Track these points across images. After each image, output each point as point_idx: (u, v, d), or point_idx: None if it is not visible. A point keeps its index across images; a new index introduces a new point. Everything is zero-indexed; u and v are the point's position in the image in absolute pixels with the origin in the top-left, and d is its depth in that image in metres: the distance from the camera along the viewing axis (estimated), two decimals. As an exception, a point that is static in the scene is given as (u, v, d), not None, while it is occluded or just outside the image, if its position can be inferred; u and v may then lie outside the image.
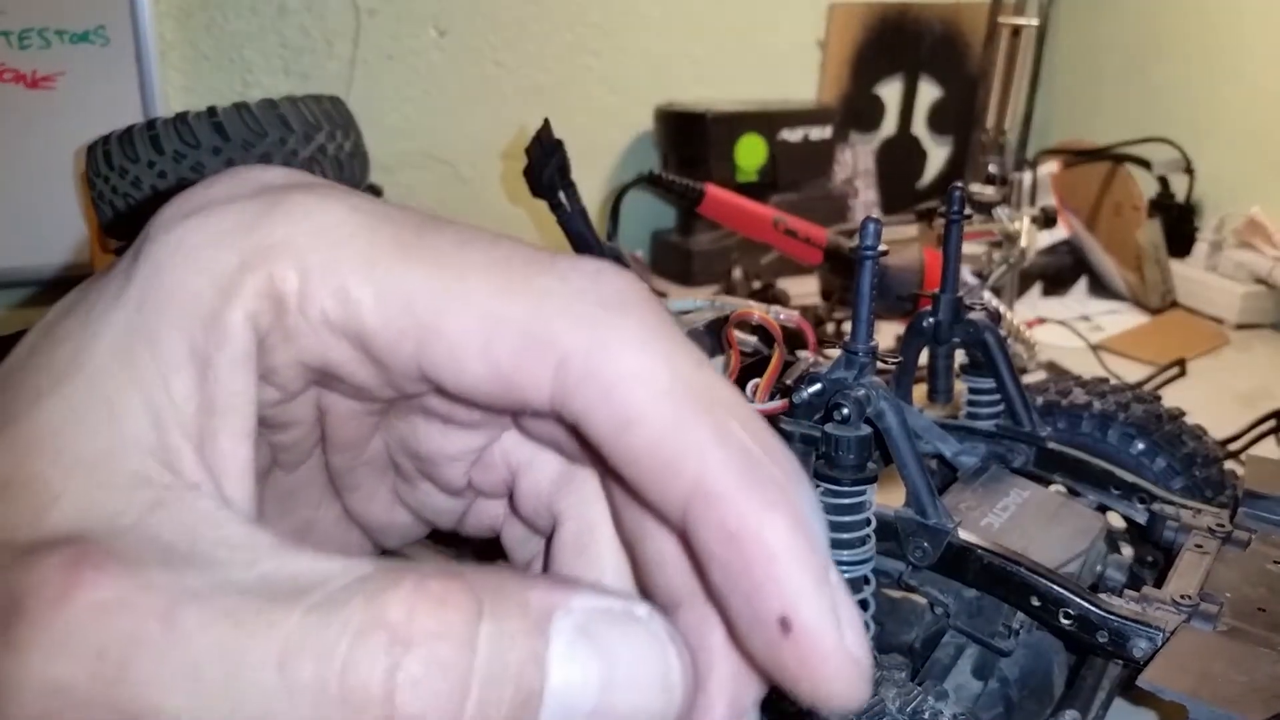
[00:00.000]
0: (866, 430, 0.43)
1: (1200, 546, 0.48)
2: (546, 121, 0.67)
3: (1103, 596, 0.43)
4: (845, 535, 0.43)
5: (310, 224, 0.14)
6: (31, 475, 0.13)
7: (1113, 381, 0.68)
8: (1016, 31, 1.54)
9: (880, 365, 0.46)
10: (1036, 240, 1.23)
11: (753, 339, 0.62)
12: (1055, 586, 0.43)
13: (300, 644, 0.11)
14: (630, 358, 0.13)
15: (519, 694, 0.11)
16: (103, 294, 0.14)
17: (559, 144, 0.67)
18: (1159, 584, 0.45)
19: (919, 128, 1.91)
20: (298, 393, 0.15)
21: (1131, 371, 1.15)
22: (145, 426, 0.13)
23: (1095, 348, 1.23)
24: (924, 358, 0.59)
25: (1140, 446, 0.61)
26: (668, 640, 0.12)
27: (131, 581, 0.11)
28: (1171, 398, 0.67)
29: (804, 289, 1.42)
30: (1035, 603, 0.43)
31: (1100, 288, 1.52)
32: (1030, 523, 0.49)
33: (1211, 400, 1.09)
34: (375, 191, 0.96)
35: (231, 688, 0.11)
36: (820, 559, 0.13)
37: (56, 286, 1.34)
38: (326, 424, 0.17)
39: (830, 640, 0.12)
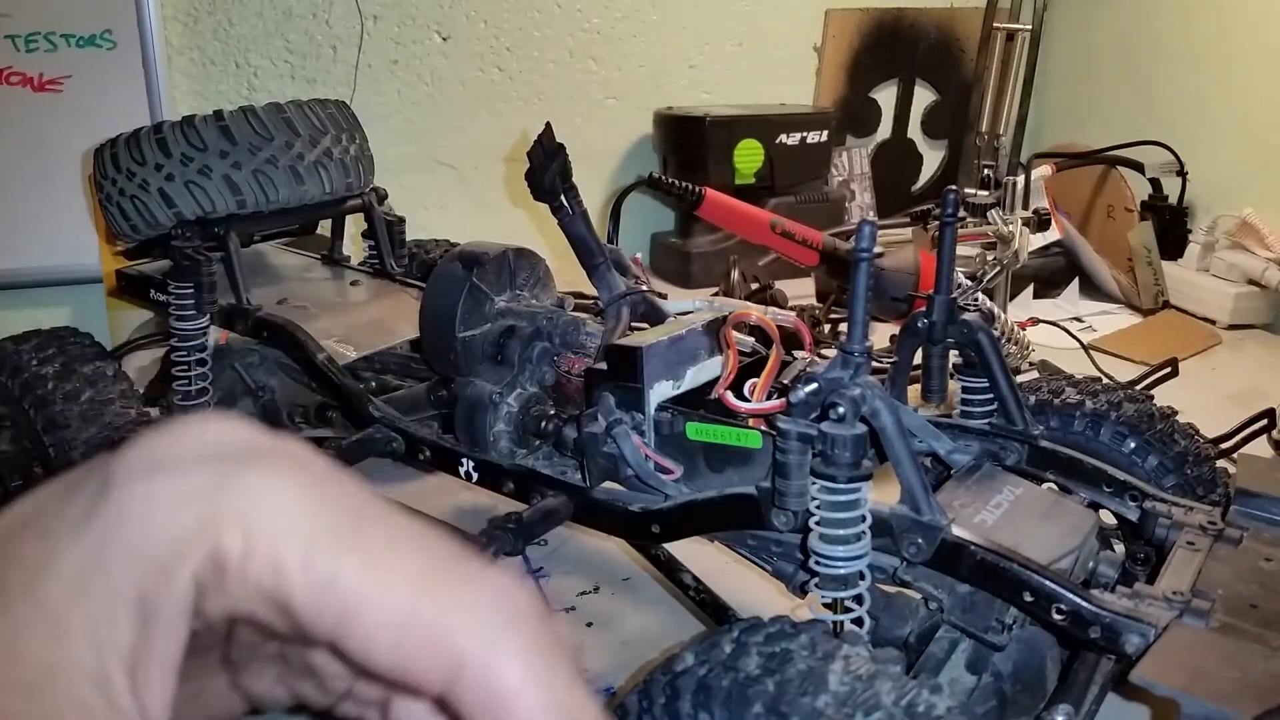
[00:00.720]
0: (862, 429, 0.44)
1: (1192, 544, 0.49)
2: (548, 125, 0.68)
3: (1095, 592, 0.44)
4: (840, 532, 0.44)
5: (261, 505, 0.16)
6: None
7: (1105, 381, 0.68)
8: (1011, 37, 1.55)
9: (875, 365, 0.47)
10: (1029, 242, 1.24)
11: (750, 339, 0.63)
12: (1048, 582, 0.43)
13: None
14: (515, 674, 0.16)
15: None
16: (62, 520, 0.16)
17: (560, 148, 0.68)
18: (1151, 581, 0.46)
19: (914, 132, 1.92)
20: (220, 624, 0.17)
21: (1124, 371, 1.16)
22: (88, 653, 0.15)
23: (1088, 348, 1.24)
24: (919, 358, 0.60)
25: (1132, 445, 0.62)
26: None
27: None
28: (1164, 397, 0.68)
29: (801, 290, 1.43)
30: (1028, 598, 0.44)
31: (1092, 289, 1.53)
32: (1023, 520, 0.49)
33: (1203, 400, 1.10)
34: (380, 195, 0.97)
35: None
36: None
37: (62, 288, 1.35)
38: (234, 632, 0.19)
39: None
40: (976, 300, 1.06)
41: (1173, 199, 1.56)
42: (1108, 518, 0.56)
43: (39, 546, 0.15)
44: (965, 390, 0.60)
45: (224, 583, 0.15)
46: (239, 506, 0.15)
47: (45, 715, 0.14)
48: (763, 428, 0.53)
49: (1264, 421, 0.96)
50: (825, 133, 1.67)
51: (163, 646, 0.15)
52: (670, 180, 1.06)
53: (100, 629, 0.15)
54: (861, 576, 0.45)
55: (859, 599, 0.45)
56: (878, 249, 0.44)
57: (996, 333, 0.59)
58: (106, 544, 0.15)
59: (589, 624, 0.73)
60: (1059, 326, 1.32)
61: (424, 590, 0.16)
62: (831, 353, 0.47)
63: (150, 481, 0.16)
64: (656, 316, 0.67)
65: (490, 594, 0.16)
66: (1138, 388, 0.71)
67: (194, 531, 0.15)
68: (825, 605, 0.46)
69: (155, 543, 0.15)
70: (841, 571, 0.45)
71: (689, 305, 0.66)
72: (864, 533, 0.45)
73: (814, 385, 0.45)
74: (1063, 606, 0.43)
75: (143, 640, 0.15)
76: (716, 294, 1.34)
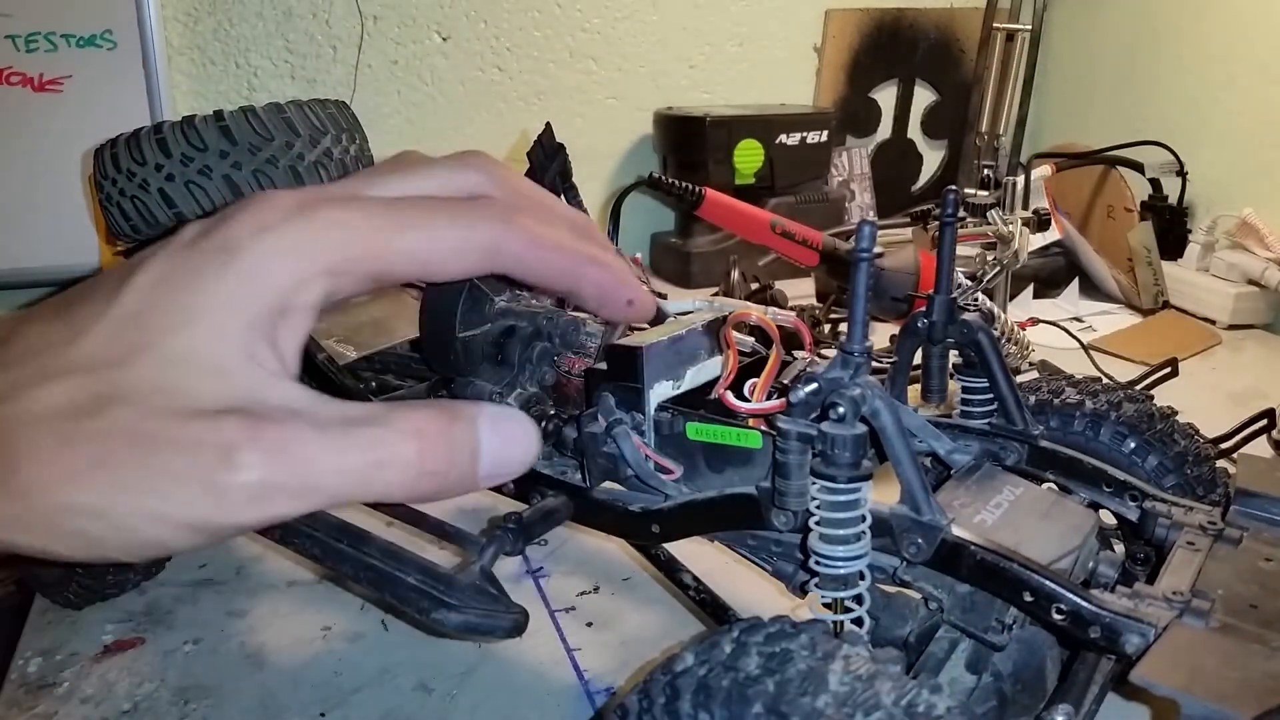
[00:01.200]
0: (862, 429, 0.44)
1: (1192, 544, 0.49)
2: (548, 125, 0.68)
3: (1095, 592, 0.44)
4: (841, 531, 0.44)
5: (342, 229, 0.23)
6: (177, 383, 0.22)
7: (1105, 381, 0.68)
8: (1010, 37, 1.55)
9: (875, 365, 0.47)
10: (1029, 242, 1.24)
11: (750, 339, 0.63)
12: (1048, 582, 0.43)
13: (366, 440, 0.22)
14: (529, 243, 0.26)
15: (469, 449, 0.24)
16: (203, 271, 0.22)
17: (560, 148, 0.67)
18: (1151, 581, 0.46)
19: (914, 132, 1.92)
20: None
21: (1124, 371, 1.16)
22: (244, 350, 0.22)
23: (1088, 348, 1.24)
24: (919, 358, 0.60)
25: (1132, 445, 0.62)
26: (529, 421, 0.26)
27: (280, 428, 0.22)
28: (1164, 397, 0.68)
29: (801, 290, 1.43)
30: (1028, 598, 0.44)
31: (1092, 289, 1.53)
32: (1023, 519, 0.49)
33: (1203, 400, 1.10)
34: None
35: (339, 470, 0.22)
36: (635, 281, 0.30)
37: (64, 288, 1.34)
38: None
39: (648, 299, 0.31)
40: (976, 300, 1.06)
41: (1173, 199, 1.56)
42: (1108, 518, 0.56)
43: (189, 288, 0.22)
44: (965, 390, 0.60)
45: (338, 283, 0.23)
46: (329, 235, 0.23)
47: (234, 388, 0.22)
48: (763, 428, 0.53)
49: (1264, 421, 0.96)
50: (825, 133, 1.67)
51: (298, 331, 0.23)
52: (670, 180, 1.06)
53: (254, 331, 0.22)
54: (861, 576, 0.45)
55: (859, 599, 0.45)
56: (878, 249, 0.44)
57: (996, 333, 0.59)
58: (247, 284, 0.22)
59: (589, 624, 0.73)
60: (1059, 326, 1.32)
61: (459, 221, 0.25)
62: (831, 353, 0.47)
63: (264, 241, 0.22)
64: (656, 317, 0.67)
65: (477, 205, 0.26)
66: (1138, 388, 0.71)
67: (310, 262, 0.23)
68: (825, 605, 0.45)
69: (284, 280, 0.22)
70: (841, 571, 0.45)
71: (689, 305, 0.66)
72: (864, 533, 0.45)
73: (814, 385, 0.45)
74: (1063, 606, 0.43)
75: (276, 339, 0.23)
76: (716, 294, 1.34)
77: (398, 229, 0.24)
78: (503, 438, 0.24)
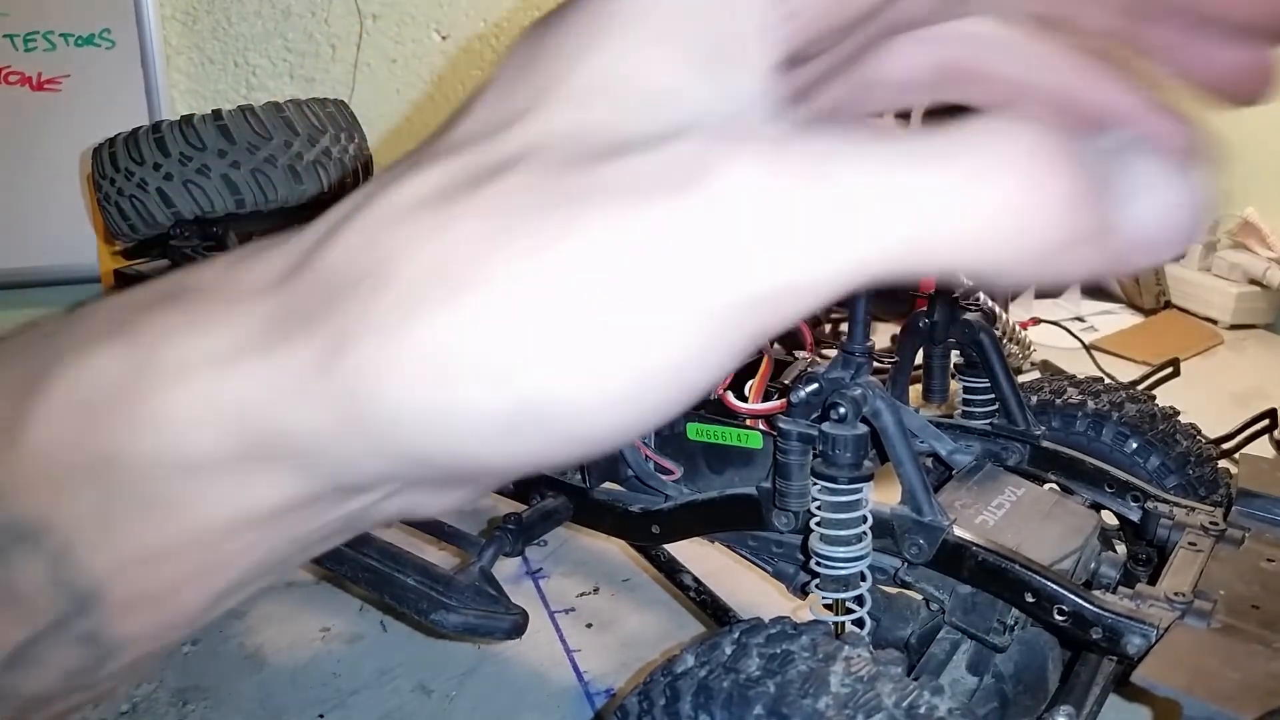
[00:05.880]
0: (863, 429, 0.44)
1: (1194, 544, 0.49)
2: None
3: (1097, 593, 0.44)
4: (841, 533, 0.44)
5: None
6: (598, 118, 0.14)
7: (1107, 381, 0.68)
8: (1012, 35, 1.54)
9: (877, 365, 0.47)
10: (1032, 242, 1.24)
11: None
12: (1049, 583, 0.43)
13: (946, 148, 0.13)
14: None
15: (1103, 187, 0.13)
16: (599, 12, 0.15)
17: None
18: (1153, 581, 0.46)
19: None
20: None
21: (1126, 372, 1.16)
22: (693, 63, 0.15)
23: (1090, 348, 1.24)
24: (920, 358, 0.60)
25: (1134, 445, 0.62)
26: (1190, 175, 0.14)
27: (782, 137, 0.13)
28: (1166, 398, 0.67)
29: (802, 291, 1.42)
30: (1030, 599, 0.43)
31: (1094, 289, 1.53)
32: (1025, 520, 0.49)
33: (1205, 400, 1.09)
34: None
35: (904, 190, 0.12)
36: None
37: (60, 287, 1.34)
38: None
39: None
40: (978, 300, 1.06)
41: (1174, 198, 1.55)
42: (1109, 518, 0.56)
43: (597, 12, 0.16)
44: (967, 390, 0.59)
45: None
46: None
47: (680, 111, 0.14)
48: (763, 428, 0.53)
49: (1265, 422, 0.96)
50: (826, 132, 1.66)
51: (770, 49, 0.15)
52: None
53: (707, 36, 0.15)
54: (863, 577, 0.45)
55: (860, 600, 0.45)
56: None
57: (998, 332, 0.58)
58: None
59: (589, 625, 0.73)
60: (1060, 326, 1.31)
61: None
62: (832, 352, 0.47)
63: None
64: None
65: None
66: (1139, 388, 0.71)
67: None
68: (826, 606, 0.45)
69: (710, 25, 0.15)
70: (842, 572, 0.44)
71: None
72: (865, 533, 0.45)
73: (815, 385, 0.45)
74: (1064, 607, 0.43)
75: (750, 48, 0.15)
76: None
77: None
78: (1154, 185, 0.13)
